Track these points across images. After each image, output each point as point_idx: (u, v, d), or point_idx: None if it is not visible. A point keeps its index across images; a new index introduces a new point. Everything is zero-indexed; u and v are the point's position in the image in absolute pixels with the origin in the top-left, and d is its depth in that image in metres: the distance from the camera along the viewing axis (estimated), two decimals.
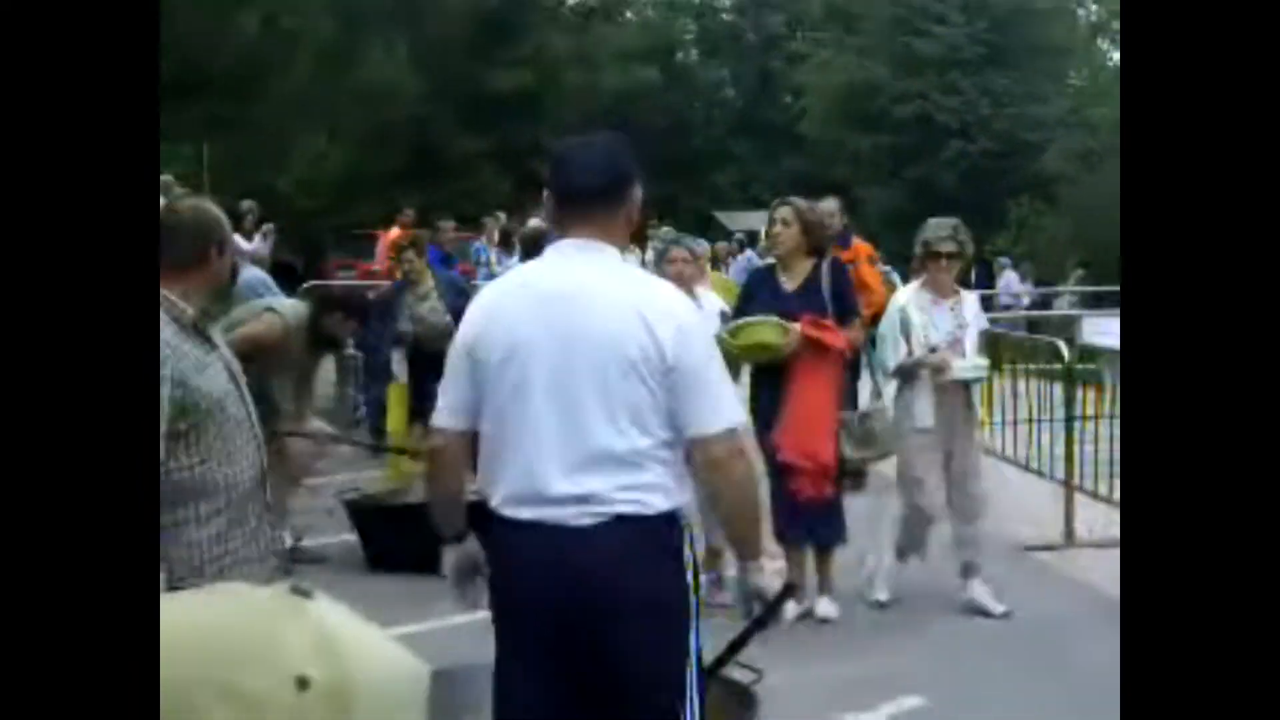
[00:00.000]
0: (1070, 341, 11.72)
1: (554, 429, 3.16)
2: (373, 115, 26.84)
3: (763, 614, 3.48)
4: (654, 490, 3.16)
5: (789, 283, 6.57)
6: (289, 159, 25.78)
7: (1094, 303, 19.77)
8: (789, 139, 39.60)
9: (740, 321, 6.39)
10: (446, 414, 3.36)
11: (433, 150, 29.05)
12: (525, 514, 3.19)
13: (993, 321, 13.53)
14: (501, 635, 3.30)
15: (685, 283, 6.17)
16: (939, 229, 6.77)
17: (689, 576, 3.23)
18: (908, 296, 6.74)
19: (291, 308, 7.42)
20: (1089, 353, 11.96)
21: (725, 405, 3.22)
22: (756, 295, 6.71)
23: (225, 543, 3.55)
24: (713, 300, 6.70)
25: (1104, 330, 13.76)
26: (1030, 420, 9.80)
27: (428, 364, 7.46)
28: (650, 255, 12.10)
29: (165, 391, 3.39)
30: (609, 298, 3.20)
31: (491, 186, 28.49)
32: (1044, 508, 8.42)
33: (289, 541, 7.55)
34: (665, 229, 15.17)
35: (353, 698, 1.21)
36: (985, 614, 6.46)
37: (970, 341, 6.65)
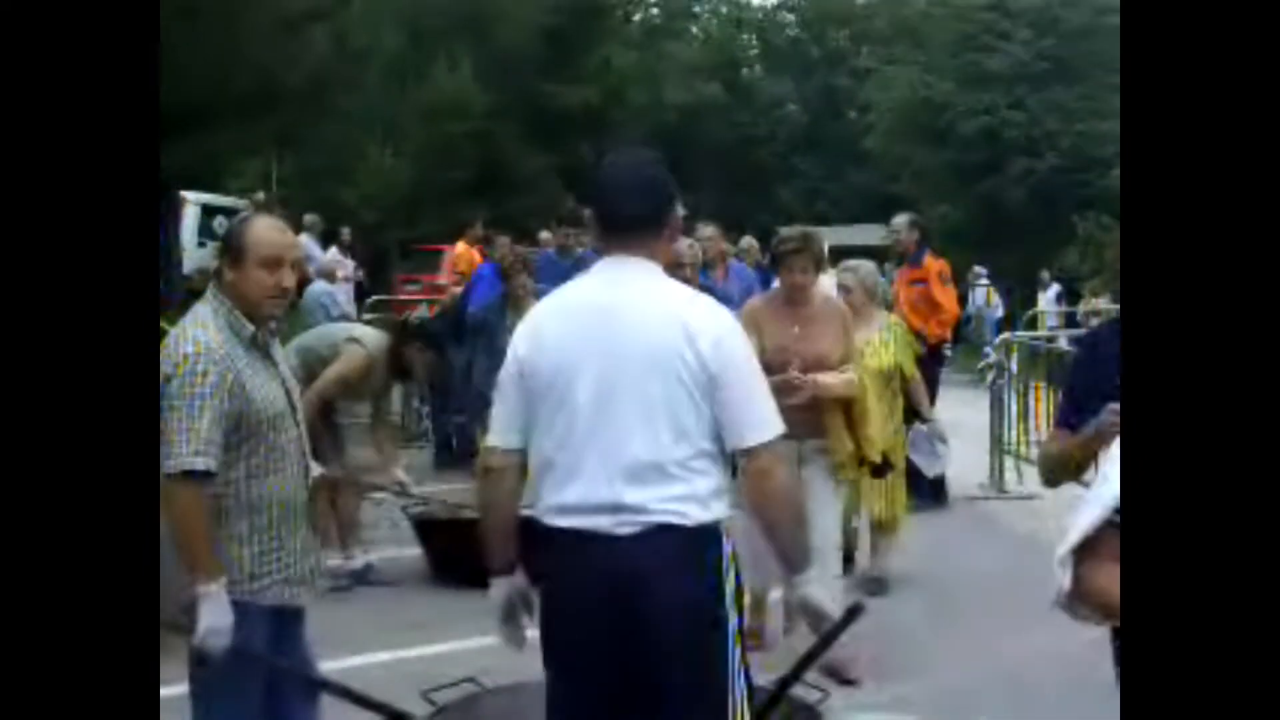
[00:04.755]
0: None
1: (597, 441, 3.21)
2: (438, 131, 27.03)
3: (830, 632, 3.47)
4: (693, 501, 3.20)
5: None
6: (356, 174, 26.01)
7: None
8: (854, 155, 39.40)
9: None
10: (499, 433, 3.42)
11: (498, 165, 29.17)
12: (566, 522, 3.24)
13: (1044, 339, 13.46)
14: (547, 642, 3.34)
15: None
16: None
17: (729, 589, 3.25)
18: None
19: (373, 338, 7.39)
20: None
21: (768, 416, 3.27)
22: None
23: (268, 562, 3.57)
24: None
25: None
26: None
27: None
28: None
29: (221, 402, 3.42)
30: (651, 311, 3.26)
31: (557, 202, 28.62)
32: None
33: (360, 562, 7.58)
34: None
35: None
36: None
37: None
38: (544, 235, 15.98)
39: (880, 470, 6.42)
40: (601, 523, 3.19)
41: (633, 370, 3.19)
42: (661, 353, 3.19)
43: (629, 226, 3.36)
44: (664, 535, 3.17)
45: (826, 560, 5.46)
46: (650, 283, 3.34)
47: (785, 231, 6.17)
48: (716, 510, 3.24)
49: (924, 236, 10.21)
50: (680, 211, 3.48)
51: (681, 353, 3.18)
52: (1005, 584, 7.19)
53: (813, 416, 5.75)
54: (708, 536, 3.22)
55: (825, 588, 5.00)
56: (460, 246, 15.58)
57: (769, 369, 5.36)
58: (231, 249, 3.61)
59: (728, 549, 3.26)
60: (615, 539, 3.18)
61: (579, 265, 8.32)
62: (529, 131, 30.20)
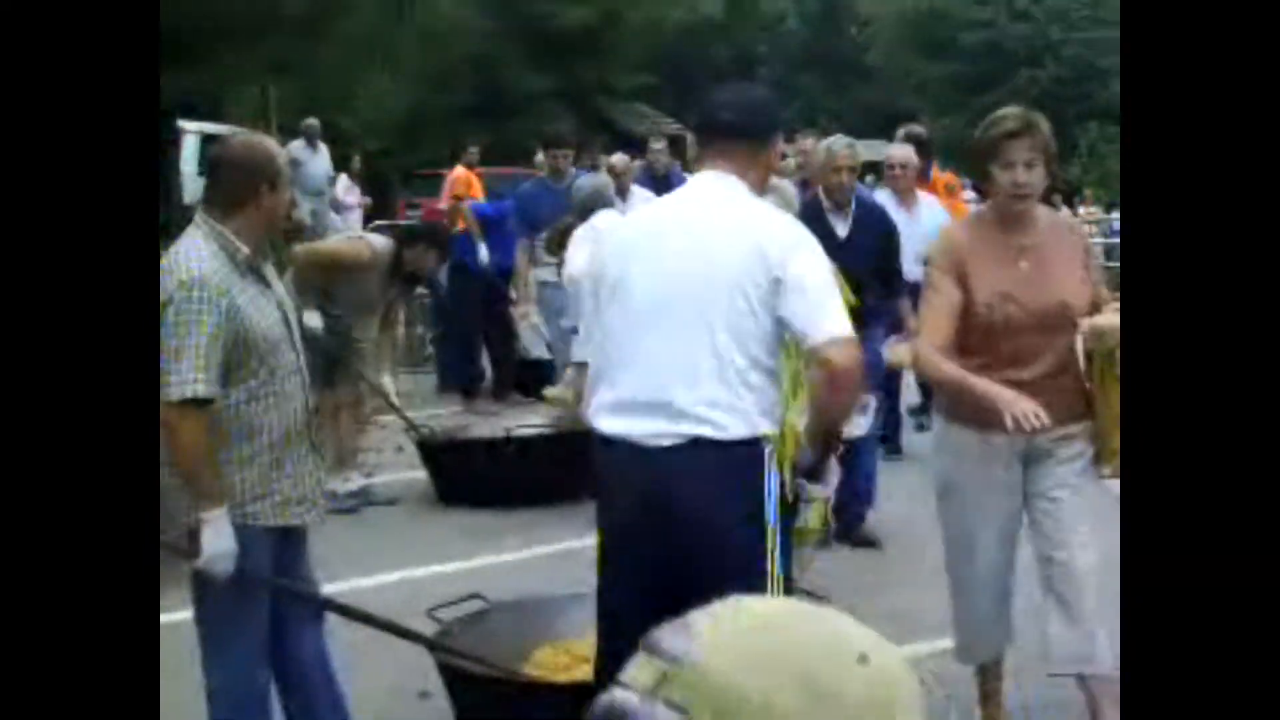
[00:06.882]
0: None
1: (651, 346, 3.24)
2: (437, 55, 26.80)
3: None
4: (734, 412, 3.20)
5: None
6: (355, 100, 25.82)
7: None
8: (855, 70, 39.15)
9: None
10: (584, 346, 3.58)
11: (497, 89, 28.95)
12: (611, 427, 3.29)
13: None
14: (600, 541, 3.46)
15: None
16: None
17: (770, 505, 3.27)
18: None
19: (380, 241, 7.59)
20: None
21: (835, 313, 3.23)
22: None
23: (268, 483, 3.58)
24: None
25: None
26: None
27: None
28: None
29: (218, 327, 3.41)
30: (724, 226, 3.27)
31: (556, 125, 28.41)
32: None
33: (359, 483, 7.62)
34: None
35: (898, 684, 1.31)
36: None
37: None
38: (538, 158, 15.82)
39: None
40: (643, 428, 3.22)
41: (694, 281, 3.21)
42: (727, 267, 3.19)
43: (723, 134, 3.37)
44: (700, 450, 3.18)
45: (1084, 613, 3.93)
46: (729, 198, 3.33)
47: (998, 112, 3.97)
48: (761, 426, 3.24)
49: (928, 151, 10.14)
50: (780, 141, 3.52)
51: (749, 268, 3.18)
52: None
53: (1058, 383, 3.82)
54: (747, 452, 3.23)
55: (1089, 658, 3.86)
56: (459, 170, 15.50)
57: (989, 328, 3.81)
58: (269, 174, 3.60)
59: (772, 472, 3.27)
60: (653, 451, 3.21)
61: (571, 190, 8.26)
62: (528, 54, 29.92)
